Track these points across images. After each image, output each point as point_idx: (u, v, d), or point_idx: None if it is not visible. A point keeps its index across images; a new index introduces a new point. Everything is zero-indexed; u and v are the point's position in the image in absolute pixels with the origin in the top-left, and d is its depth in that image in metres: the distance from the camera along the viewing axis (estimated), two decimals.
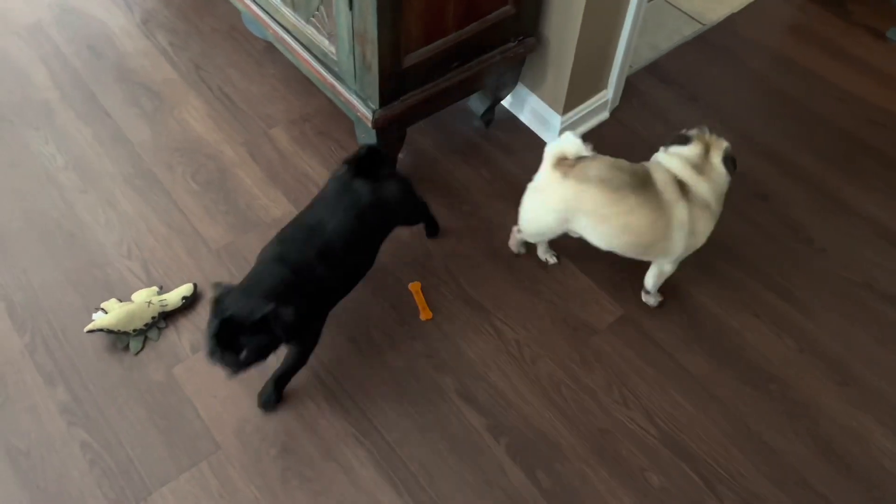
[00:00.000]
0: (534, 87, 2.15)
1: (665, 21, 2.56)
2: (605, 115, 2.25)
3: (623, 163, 1.63)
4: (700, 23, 2.55)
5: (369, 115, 1.74)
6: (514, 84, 2.11)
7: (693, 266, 1.91)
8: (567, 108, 2.10)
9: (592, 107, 2.18)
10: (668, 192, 1.59)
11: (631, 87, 2.33)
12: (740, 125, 2.25)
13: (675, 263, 1.74)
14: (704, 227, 1.65)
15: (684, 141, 1.65)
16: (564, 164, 1.61)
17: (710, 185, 1.62)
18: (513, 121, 2.25)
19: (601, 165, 1.60)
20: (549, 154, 1.64)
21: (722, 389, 1.71)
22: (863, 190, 2.10)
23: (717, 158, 1.62)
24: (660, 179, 1.60)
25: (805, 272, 1.92)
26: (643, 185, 1.59)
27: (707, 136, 1.65)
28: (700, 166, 1.62)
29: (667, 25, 2.55)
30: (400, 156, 2.01)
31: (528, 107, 2.20)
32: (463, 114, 2.22)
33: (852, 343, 1.80)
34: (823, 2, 2.64)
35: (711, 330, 1.81)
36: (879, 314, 1.85)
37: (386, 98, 1.72)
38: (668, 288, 1.86)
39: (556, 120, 2.12)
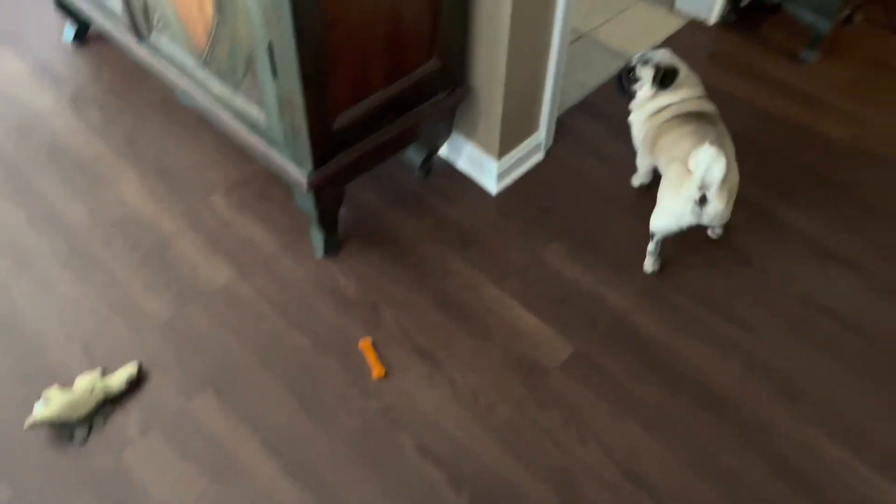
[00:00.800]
0: (468, 135, 2.19)
1: (592, 58, 2.65)
2: (540, 155, 2.30)
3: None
4: (623, 56, 2.64)
5: (304, 179, 1.75)
6: (449, 134, 2.15)
7: (640, 295, 1.95)
8: (502, 153, 2.14)
9: (527, 149, 2.22)
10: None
11: (563, 125, 2.39)
12: None
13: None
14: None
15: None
16: None
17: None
18: (451, 168, 2.28)
19: None
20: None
21: (677, 417, 1.73)
22: (795, 208, 2.18)
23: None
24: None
25: (746, 293, 1.97)
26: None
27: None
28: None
29: (593, 63, 2.63)
30: (341, 212, 2.02)
31: (464, 154, 2.24)
32: (402, 165, 2.25)
33: (796, 357, 1.84)
34: (739, 30, 2.76)
35: (662, 358, 1.84)
36: (819, 326, 1.90)
37: (319, 160, 1.73)
38: (615, 319, 1.89)
39: (493, 165, 2.16)
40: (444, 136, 2.14)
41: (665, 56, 1.97)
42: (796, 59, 2.63)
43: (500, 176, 2.19)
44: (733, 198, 1.79)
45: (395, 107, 1.85)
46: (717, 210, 1.75)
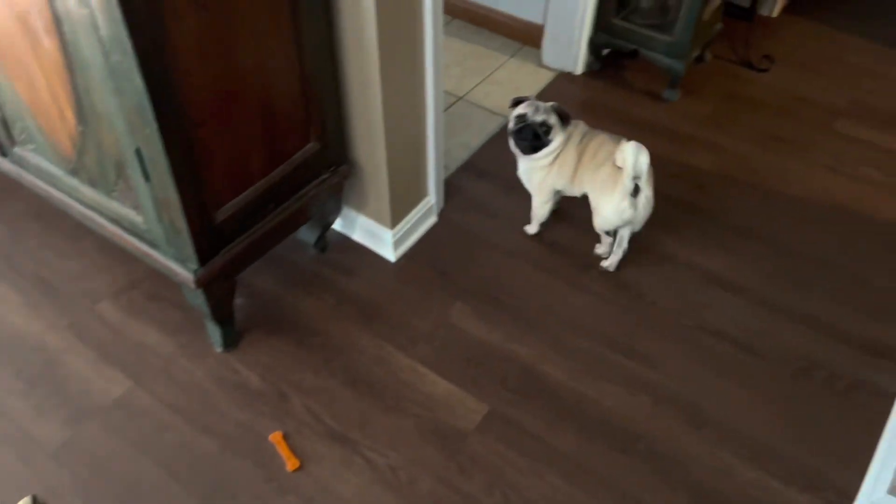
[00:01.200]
0: (359, 208, 2.20)
1: (471, 120, 2.74)
2: (433, 218, 2.34)
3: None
4: (501, 116, 2.75)
5: (191, 277, 1.70)
6: (339, 210, 2.16)
7: (546, 343, 1.98)
8: (395, 221, 2.17)
9: (420, 213, 2.26)
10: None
11: (452, 186, 2.45)
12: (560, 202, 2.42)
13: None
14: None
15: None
16: None
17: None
18: (347, 240, 2.28)
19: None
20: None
21: (595, 461, 1.76)
22: (679, 240, 2.29)
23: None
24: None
25: (644, 327, 2.05)
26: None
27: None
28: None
29: (473, 124, 2.72)
30: (236, 301, 1.97)
31: (358, 226, 2.25)
32: (296, 245, 2.23)
33: (699, 384, 1.92)
34: (604, 77, 2.93)
35: (572, 404, 1.87)
36: (715, 351, 2.00)
37: (204, 257, 1.70)
38: (525, 372, 1.92)
39: (387, 234, 2.18)
40: (334, 212, 2.15)
41: (536, 101, 2.08)
42: (659, 99, 2.82)
43: (396, 244, 2.20)
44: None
45: (279, 193, 1.85)
46: (647, 197, 2.02)
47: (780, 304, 2.11)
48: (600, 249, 2.25)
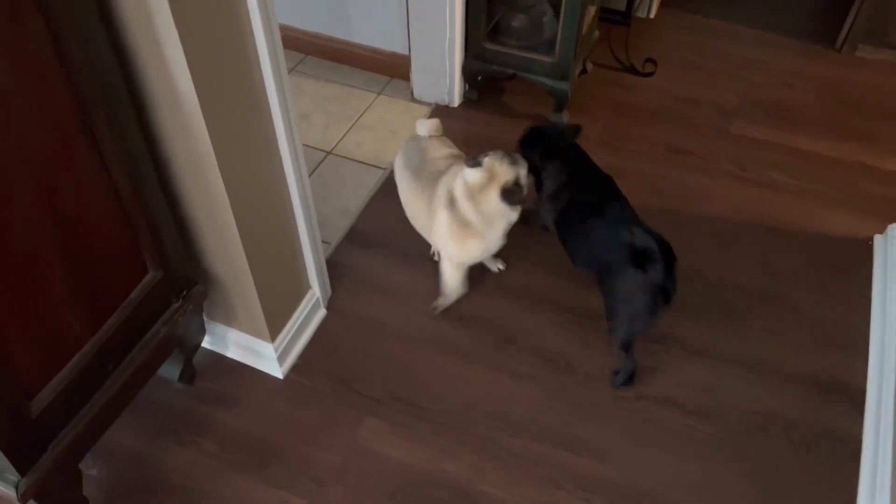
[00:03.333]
0: (229, 322, 1.82)
1: (344, 177, 2.39)
2: (321, 312, 1.99)
3: (436, 160, 1.95)
4: (379, 167, 2.41)
5: (14, 493, 1.28)
6: (203, 332, 1.76)
7: (480, 453, 1.68)
8: (275, 332, 1.80)
9: (304, 312, 1.90)
10: (439, 197, 1.86)
11: (337, 266, 2.10)
12: None
13: (455, 270, 1.92)
14: (465, 242, 1.85)
15: (474, 165, 1.80)
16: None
17: (476, 209, 1.80)
18: (219, 361, 1.89)
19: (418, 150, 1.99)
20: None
21: None
22: (593, 289, 2.06)
23: (494, 190, 1.78)
24: (440, 184, 1.87)
25: (581, 409, 1.79)
26: (431, 181, 1.90)
27: (498, 164, 1.79)
28: (474, 191, 1.79)
29: (347, 182, 2.37)
30: (91, 473, 1.56)
31: (231, 342, 1.86)
32: (158, 382, 1.81)
33: (653, 468, 1.68)
34: (484, 106, 2.65)
35: None
36: (662, 422, 1.77)
37: (25, 462, 1.28)
38: (457, 494, 1.62)
39: (268, 348, 1.81)
40: (197, 336, 1.75)
41: (489, 154, 1.82)
42: (546, 122, 2.57)
43: (282, 356, 1.84)
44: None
45: (117, 348, 1.44)
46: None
47: (718, 352, 1.91)
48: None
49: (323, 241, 2.09)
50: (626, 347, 1.78)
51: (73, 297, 1.32)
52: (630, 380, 1.82)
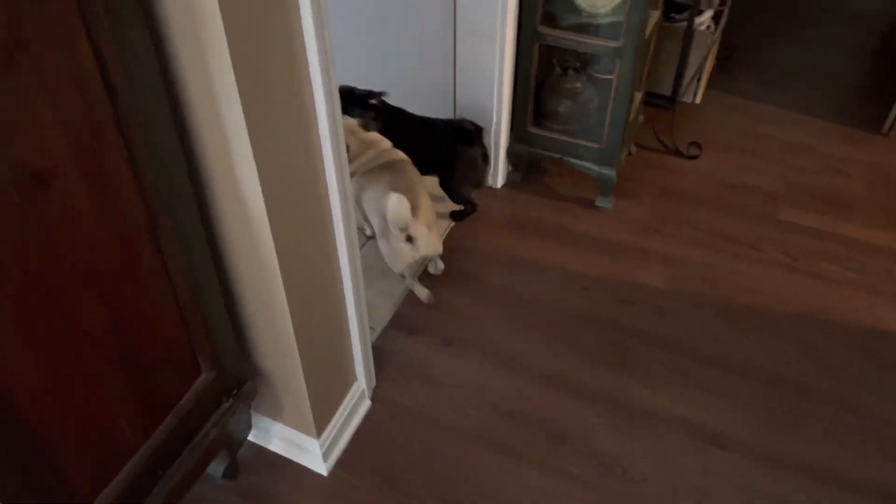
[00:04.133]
0: (274, 415, 1.78)
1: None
2: (366, 404, 1.95)
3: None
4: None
5: None
6: (249, 429, 1.72)
7: None
8: (321, 427, 1.76)
9: (349, 405, 1.86)
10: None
11: (382, 354, 2.06)
12: (506, 355, 2.07)
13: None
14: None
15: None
16: None
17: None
18: (262, 454, 1.85)
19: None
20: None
21: None
22: (650, 385, 1.99)
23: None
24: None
25: None
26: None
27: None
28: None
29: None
30: None
31: (275, 436, 1.82)
32: (202, 477, 1.77)
33: None
34: (528, 188, 2.64)
35: None
36: None
37: None
38: None
39: (314, 444, 1.76)
40: (244, 433, 1.71)
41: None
42: (593, 207, 2.55)
43: (326, 453, 1.79)
44: (434, 226, 2.13)
45: (167, 453, 1.41)
46: (425, 239, 2.05)
47: (776, 454, 1.83)
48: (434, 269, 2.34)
49: (372, 329, 2.07)
50: (468, 200, 2.45)
51: (127, 402, 1.29)
52: (471, 212, 2.48)
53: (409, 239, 2.02)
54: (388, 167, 2.16)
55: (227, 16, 1.05)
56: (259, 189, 1.24)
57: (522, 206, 2.58)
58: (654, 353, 2.08)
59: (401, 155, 2.23)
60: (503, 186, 2.65)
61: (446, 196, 2.44)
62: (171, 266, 1.28)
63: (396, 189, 2.00)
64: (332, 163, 1.41)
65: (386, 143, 2.25)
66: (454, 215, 2.50)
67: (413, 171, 2.19)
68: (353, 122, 2.27)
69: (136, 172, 1.13)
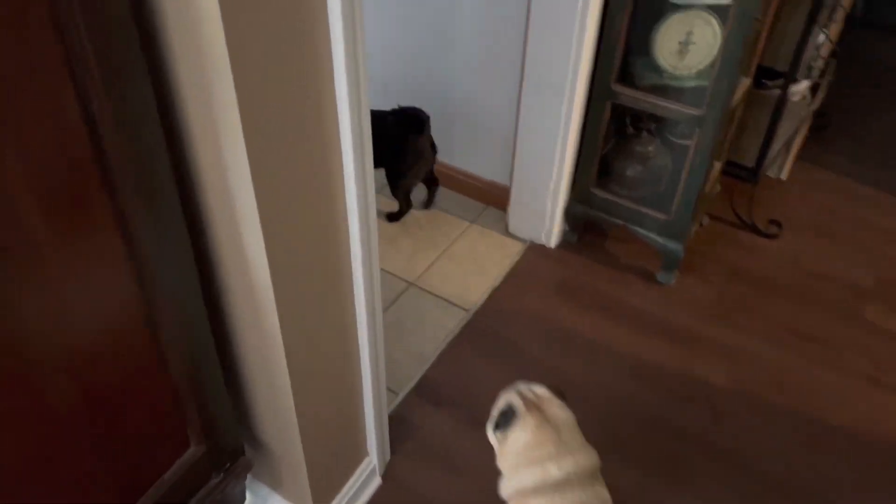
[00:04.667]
0: (274, 485, 1.63)
1: (424, 314, 2.20)
2: (377, 481, 1.77)
3: None
4: (461, 308, 2.22)
5: None
6: (244, 499, 1.56)
7: None
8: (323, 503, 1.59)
9: (357, 483, 1.68)
10: None
11: (400, 423, 1.88)
12: None
13: None
14: None
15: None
16: None
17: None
18: None
19: None
20: None
21: None
22: (700, 499, 1.75)
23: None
24: None
25: None
26: None
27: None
28: None
29: (426, 321, 2.18)
30: None
31: None
32: None
33: None
34: (583, 250, 2.43)
35: None
36: None
37: None
38: None
39: None
40: (238, 503, 1.56)
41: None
42: (652, 280, 2.32)
43: None
44: None
45: None
46: None
47: None
48: None
49: (389, 390, 1.90)
50: (407, 195, 2.44)
51: (101, 482, 1.15)
52: (406, 211, 2.48)
53: None
54: None
55: (240, 72, 0.90)
56: (265, 261, 1.09)
57: (575, 271, 2.37)
58: (705, 464, 1.84)
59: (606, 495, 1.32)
60: (557, 246, 2.44)
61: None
62: (168, 344, 1.13)
63: None
64: (357, 227, 1.25)
65: (590, 456, 1.33)
66: (390, 217, 2.48)
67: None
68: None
69: (131, 246, 0.99)
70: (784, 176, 2.68)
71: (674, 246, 2.20)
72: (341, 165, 1.17)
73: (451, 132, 2.52)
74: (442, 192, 2.64)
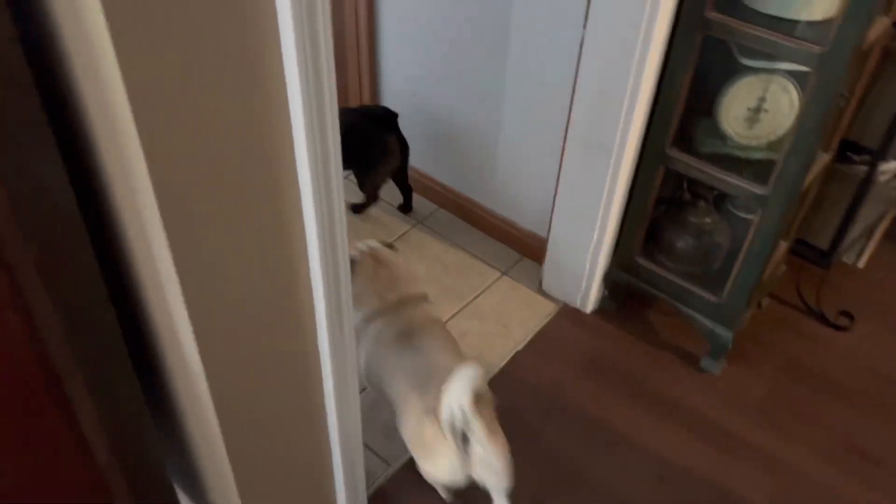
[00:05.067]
0: None
1: None
2: None
3: None
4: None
5: None
6: None
7: None
8: None
9: None
10: None
11: (386, 499, 1.71)
12: None
13: None
14: None
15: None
16: None
17: None
18: None
19: None
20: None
21: None
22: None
23: None
24: None
25: None
26: None
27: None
28: None
29: None
30: None
31: None
32: None
33: None
34: (621, 320, 2.19)
35: None
36: None
37: None
38: None
39: None
40: None
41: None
42: (695, 366, 2.06)
43: None
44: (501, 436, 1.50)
45: None
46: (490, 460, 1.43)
47: None
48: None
49: (381, 459, 1.74)
50: (376, 190, 2.40)
51: None
52: (372, 203, 2.44)
53: (465, 440, 1.40)
54: (412, 325, 1.58)
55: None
56: (197, 354, 0.93)
57: (609, 344, 2.13)
58: None
59: (434, 313, 1.67)
60: (593, 312, 2.21)
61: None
62: (87, 427, 0.99)
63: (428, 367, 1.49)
64: (325, 314, 1.08)
65: (419, 287, 1.69)
66: (355, 208, 2.46)
67: (454, 341, 1.63)
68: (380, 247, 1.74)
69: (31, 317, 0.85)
70: (861, 264, 2.35)
71: (723, 332, 1.94)
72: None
73: (492, 174, 2.33)
74: (477, 237, 2.45)
